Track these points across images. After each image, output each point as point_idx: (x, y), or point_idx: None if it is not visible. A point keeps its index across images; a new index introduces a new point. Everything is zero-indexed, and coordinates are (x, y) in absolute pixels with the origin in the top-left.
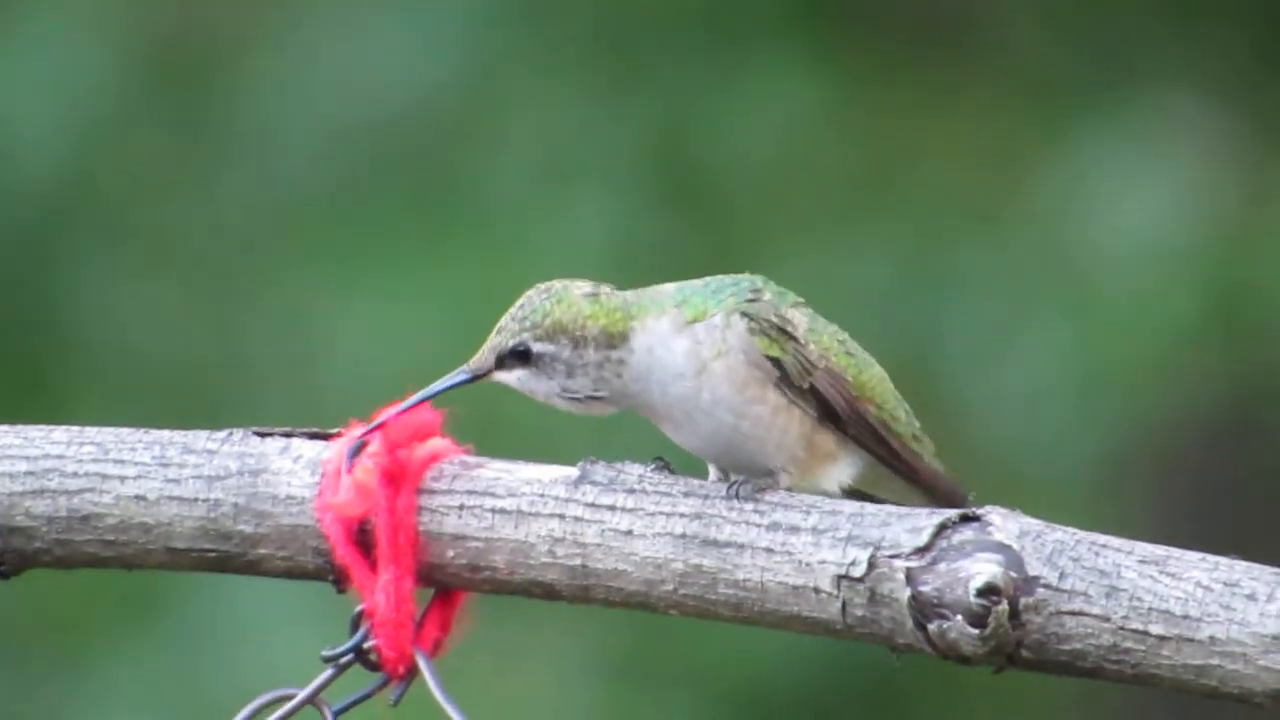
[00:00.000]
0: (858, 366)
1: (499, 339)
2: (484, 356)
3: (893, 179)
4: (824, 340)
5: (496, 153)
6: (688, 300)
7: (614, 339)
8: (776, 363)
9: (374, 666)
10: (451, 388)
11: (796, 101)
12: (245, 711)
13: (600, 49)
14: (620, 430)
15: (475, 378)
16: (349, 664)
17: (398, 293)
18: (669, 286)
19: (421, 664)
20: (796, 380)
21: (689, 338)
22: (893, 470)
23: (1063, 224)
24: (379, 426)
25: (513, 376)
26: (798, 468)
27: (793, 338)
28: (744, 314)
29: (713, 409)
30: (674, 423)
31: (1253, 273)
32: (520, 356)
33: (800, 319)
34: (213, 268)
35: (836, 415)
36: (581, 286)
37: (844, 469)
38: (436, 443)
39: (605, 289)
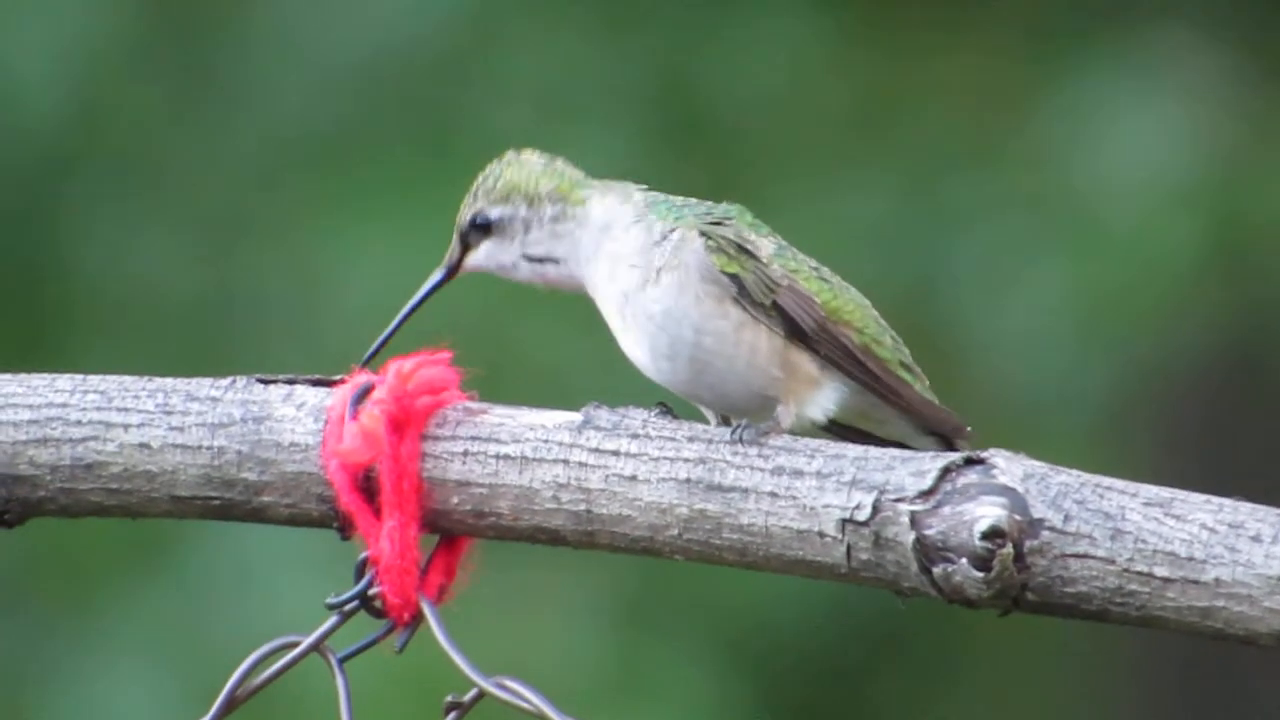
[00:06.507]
0: (831, 291)
1: (458, 217)
2: (451, 248)
3: (893, 118)
4: (791, 264)
5: (497, 93)
6: (655, 204)
7: (569, 200)
8: (735, 278)
9: (379, 613)
10: (431, 290)
11: (797, 40)
12: (250, 659)
13: None
14: (624, 377)
15: (450, 271)
16: (354, 611)
17: (401, 236)
18: (639, 189)
19: (426, 610)
20: (758, 296)
21: (644, 231)
22: (880, 398)
23: (1064, 162)
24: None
25: (480, 255)
26: (779, 390)
27: (753, 256)
28: (702, 232)
29: (665, 322)
30: (621, 323)
31: (1255, 207)
32: (481, 228)
33: (767, 244)
34: (216, 211)
35: (806, 335)
36: (534, 154)
37: (828, 395)
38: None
39: (560, 161)
